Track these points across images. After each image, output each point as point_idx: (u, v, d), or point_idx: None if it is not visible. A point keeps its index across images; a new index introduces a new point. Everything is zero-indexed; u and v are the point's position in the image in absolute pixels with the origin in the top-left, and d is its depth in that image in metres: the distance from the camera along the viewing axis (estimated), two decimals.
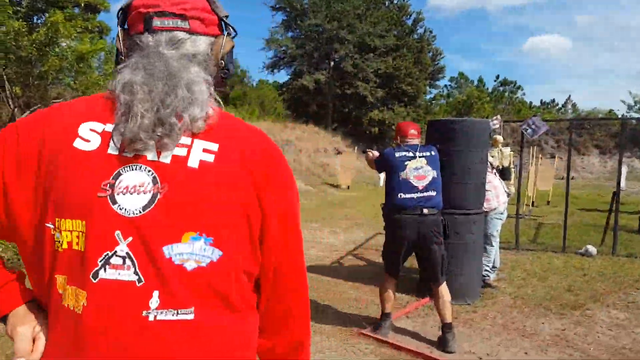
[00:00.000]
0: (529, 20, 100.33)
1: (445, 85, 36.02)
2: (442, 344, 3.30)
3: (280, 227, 0.82)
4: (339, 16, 20.30)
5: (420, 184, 3.37)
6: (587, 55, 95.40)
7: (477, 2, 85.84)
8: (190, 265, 0.73)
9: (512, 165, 8.20)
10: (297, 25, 21.55)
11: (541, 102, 38.37)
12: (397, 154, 3.46)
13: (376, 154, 3.72)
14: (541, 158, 14.05)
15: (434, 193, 3.38)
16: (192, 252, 0.73)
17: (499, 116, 6.78)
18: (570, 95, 51.92)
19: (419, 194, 3.34)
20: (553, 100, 38.33)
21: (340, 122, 23.50)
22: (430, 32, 25.51)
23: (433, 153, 3.51)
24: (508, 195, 5.03)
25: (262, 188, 0.78)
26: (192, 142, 0.76)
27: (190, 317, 0.73)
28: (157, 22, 0.79)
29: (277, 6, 21.74)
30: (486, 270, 4.71)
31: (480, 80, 36.35)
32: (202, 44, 0.82)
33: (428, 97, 27.46)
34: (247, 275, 0.80)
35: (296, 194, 0.87)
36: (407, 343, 3.36)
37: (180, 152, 0.75)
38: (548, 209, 11.36)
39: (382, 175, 16.61)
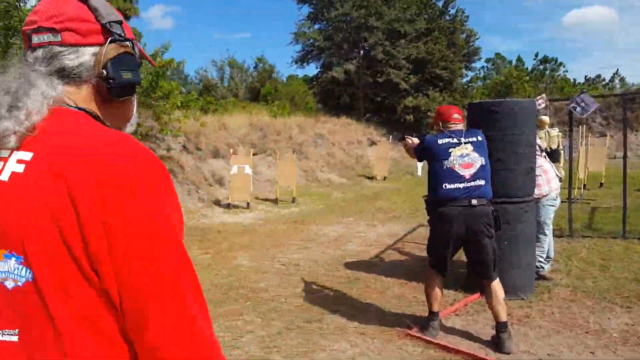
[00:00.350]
0: None
1: (482, 67, 34.78)
2: (497, 344, 3.05)
3: (123, 251, 0.66)
4: (366, 3, 19.78)
5: (467, 173, 3.08)
6: (634, 26, 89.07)
7: None
8: (9, 284, 0.69)
9: (560, 147, 7.67)
10: (323, 17, 21.19)
11: (586, 78, 36.39)
12: (439, 141, 3.18)
13: (415, 140, 3.46)
14: (590, 137, 13.20)
15: (482, 182, 3.10)
16: (8, 270, 0.69)
17: (544, 95, 6.32)
18: (617, 70, 48.49)
19: (466, 184, 3.07)
20: (599, 76, 36.25)
21: (372, 112, 23.07)
22: (463, 12, 24.53)
23: (480, 138, 3.21)
24: (560, 179, 4.65)
25: (81, 201, 0.65)
26: (11, 154, 0.72)
27: (14, 338, 0.69)
28: (34, 39, 0.77)
29: None
30: (540, 261, 4.39)
31: (519, 59, 34.80)
32: (83, 55, 0.78)
33: (464, 80, 26.48)
34: (85, 301, 0.67)
35: (155, 214, 0.68)
36: (458, 344, 3.14)
37: None
38: (601, 192, 10.64)
39: (420, 165, 16.20)
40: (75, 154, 0.68)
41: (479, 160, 3.13)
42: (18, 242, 0.68)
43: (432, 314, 3.31)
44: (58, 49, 0.76)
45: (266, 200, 10.41)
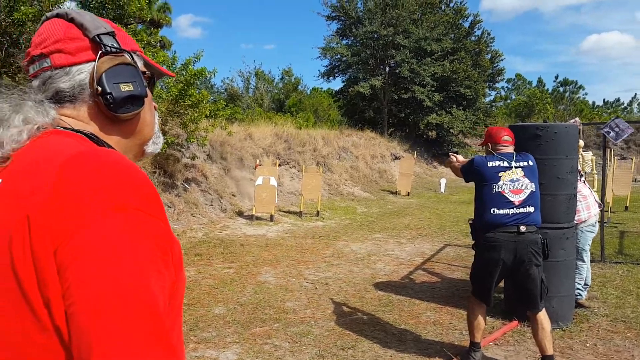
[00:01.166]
0: (587, 18, 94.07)
1: (502, 87, 34.54)
2: None
3: (80, 305, 0.56)
4: (395, 22, 19.86)
5: (517, 199, 3.01)
6: None
7: (530, 4, 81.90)
8: None
9: (594, 171, 7.51)
10: (351, 33, 21.38)
11: (604, 101, 36.03)
12: (489, 164, 3.10)
13: (461, 159, 3.41)
14: (616, 161, 12.91)
15: (532, 209, 3.03)
16: None
17: (577, 119, 6.22)
18: (636, 94, 47.69)
19: (516, 210, 3.00)
20: (618, 100, 35.85)
21: (396, 127, 23.02)
22: (489, 34, 24.47)
23: (531, 163, 3.14)
24: (599, 205, 4.55)
25: (42, 241, 0.58)
26: None
27: None
28: (30, 70, 0.77)
29: (333, 15, 21.80)
30: (578, 288, 4.27)
31: (540, 80, 34.57)
32: (78, 75, 0.74)
33: (487, 99, 26.27)
34: (29, 351, 0.59)
35: (118, 253, 0.57)
36: None
37: None
38: (628, 215, 10.36)
39: (443, 181, 16.04)
40: (38, 175, 0.62)
41: (529, 186, 3.06)
42: None
43: (474, 345, 3.22)
44: (49, 73, 0.74)
45: (290, 212, 10.41)
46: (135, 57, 0.81)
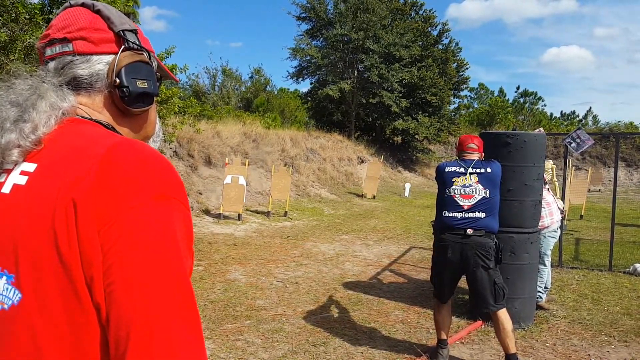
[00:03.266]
0: (548, 32, 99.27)
1: (466, 96, 35.69)
2: None
3: (121, 284, 0.59)
4: (365, 26, 20.11)
5: (466, 203, 3.13)
6: (608, 67, 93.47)
7: (495, 14, 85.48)
8: None
9: (554, 179, 7.88)
10: (321, 35, 21.46)
11: (562, 113, 37.71)
12: (447, 169, 3.26)
13: None
14: (573, 171, 13.64)
15: (482, 215, 3.11)
16: None
17: (541, 129, 6.52)
18: (590, 107, 50.71)
19: (464, 214, 3.12)
20: (574, 112, 37.69)
21: (362, 131, 23.30)
22: (457, 43, 25.27)
23: (489, 170, 3.21)
24: (561, 212, 4.78)
25: (88, 222, 0.60)
26: (15, 166, 0.69)
27: None
28: (47, 52, 0.78)
29: (303, 16, 21.81)
30: (539, 291, 4.46)
31: (501, 90, 35.94)
32: (97, 64, 0.77)
33: (452, 107, 27.08)
34: (70, 330, 0.61)
35: (160, 230, 0.62)
36: None
37: (1, 178, 0.71)
38: (582, 223, 10.96)
39: (408, 186, 16.37)
40: (81, 162, 0.65)
41: (481, 192, 3.14)
42: (12, 259, 0.64)
43: (441, 342, 3.32)
44: (70, 58, 0.75)
45: (258, 212, 10.33)
46: (152, 57, 0.84)
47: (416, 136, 22.60)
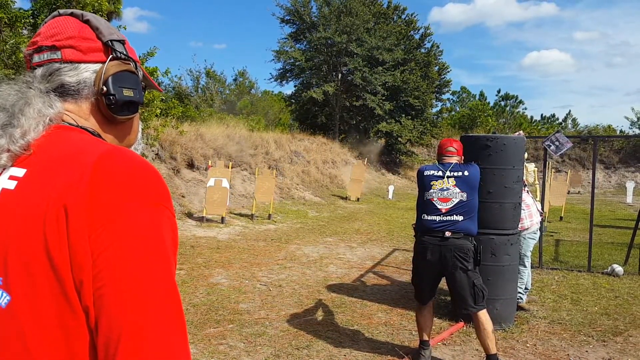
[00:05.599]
0: (529, 35, 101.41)
1: (448, 99, 36.15)
2: None
3: (112, 287, 0.61)
4: (349, 30, 20.22)
5: (444, 207, 3.17)
6: (587, 71, 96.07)
7: (477, 18, 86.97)
8: None
9: (536, 181, 8.02)
10: (305, 38, 21.51)
11: (542, 116, 38.40)
12: (426, 172, 3.30)
13: None
14: (553, 173, 13.92)
15: (459, 218, 3.14)
16: None
17: (521, 132, 6.64)
18: (570, 110, 51.83)
19: (442, 217, 3.16)
20: (553, 115, 38.40)
21: (347, 134, 23.39)
22: (438, 46, 25.56)
23: (467, 173, 3.22)
24: (541, 214, 4.87)
25: (79, 228, 0.62)
26: (3, 171, 0.71)
27: None
28: (35, 58, 0.79)
29: (287, 18, 21.81)
30: (519, 292, 4.53)
31: (482, 94, 36.48)
32: (84, 72, 0.79)
33: (434, 110, 27.39)
34: (61, 333, 0.62)
35: (148, 234, 0.64)
36: None
37: None
38: (562, 225, 11.19)
39: (391, 188, 16.46)
40: (72, 169, 0.66)
41: (458, 195, 3.17)
42: (1, 262, 0.65)
43: (423, 343, 3.35)
44: (58, 65, 0.77)
45: (241, 215, 10.25)
46: (138, 67, 0.87)
47: (399, 139, 22.78)
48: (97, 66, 0.79)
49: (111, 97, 0.77)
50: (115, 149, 0.70)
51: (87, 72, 0.78)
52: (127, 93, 0.80)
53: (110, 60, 0.79)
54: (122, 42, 0.82)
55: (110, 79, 0.78)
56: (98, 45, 0.80)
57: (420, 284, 3.30)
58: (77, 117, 0.77)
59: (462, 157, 3.40)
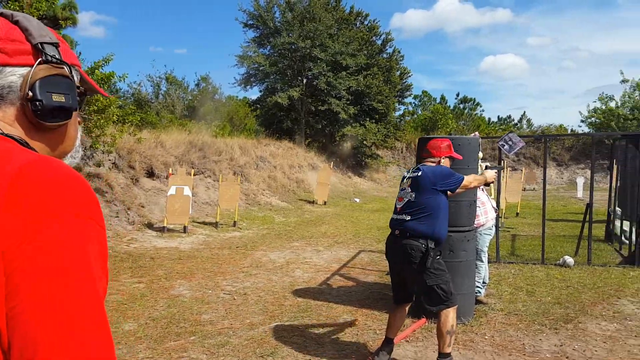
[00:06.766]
0: (485, 41, 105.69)
1: (410, 103, 37.02)
2: None
3: (28, 305, 0.58)
4: (312, 35, 20.38)
5: (399, 206, 3.33)
6: (539, 74, 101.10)
7: (436, 24, 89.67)
8: None
9: None
10: (269, 43, 21.49)
11: (498, 118, 40.02)
12: (403, 174, 3.51)
13: (478, 177, 3.60)
14: (508, 171, 14.47)
15: (407, 217, 3.20)
16: None
17: (477, 133, 6.88)
18: (525, 112, 54.65)
19: (397, 216, 3.31)
20: (509, 116, 40.02)
21: (312, 138, 23.48)
22: (399, 52, 26.16)
23: (419, 174, 3.27)
24: (495, 210, 5.06)
25: None
26: None
27: None
28: None
29: (250, 23, 21.71)
30: (477, 286, 4.68)
31: (442, 97, 37.65)
32: (10, 76, 0.75)
33: (397, 113, 27.98)
34: None
35: (70, 252, 0.61)
36: None
37: None
38: (518, 220, 11.65)
39: (357, 200, 16.58)
40: None
41: (408, 196, 3.27)
42: None
43: (385, 340, 3.41)
44: None
45: (205, 223, 10.09)
46: (74, 71, 0.82)
47: (365, 142, 23.08)
48: (25, 70, 0.75)
49: (37, 103, 0.73)
50: (40, 159, 0.66)
51: (13, 76, 0.74)
52: (57, 98, 0.76)
53: (38, 63, 0.75)
54: (56, 44, 0.78)
55: (37, 84, 0.74)
56: (27, 48, 0.75)
57: (392, 281, 3.46)
58: (1, 123, 0.73)
59: (444, 158, 3.41)
